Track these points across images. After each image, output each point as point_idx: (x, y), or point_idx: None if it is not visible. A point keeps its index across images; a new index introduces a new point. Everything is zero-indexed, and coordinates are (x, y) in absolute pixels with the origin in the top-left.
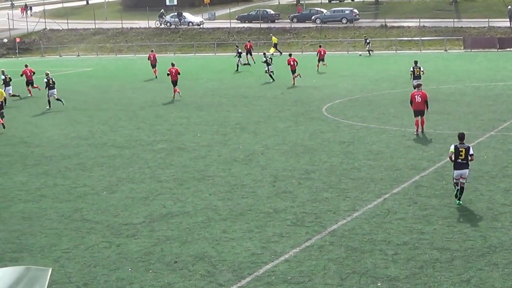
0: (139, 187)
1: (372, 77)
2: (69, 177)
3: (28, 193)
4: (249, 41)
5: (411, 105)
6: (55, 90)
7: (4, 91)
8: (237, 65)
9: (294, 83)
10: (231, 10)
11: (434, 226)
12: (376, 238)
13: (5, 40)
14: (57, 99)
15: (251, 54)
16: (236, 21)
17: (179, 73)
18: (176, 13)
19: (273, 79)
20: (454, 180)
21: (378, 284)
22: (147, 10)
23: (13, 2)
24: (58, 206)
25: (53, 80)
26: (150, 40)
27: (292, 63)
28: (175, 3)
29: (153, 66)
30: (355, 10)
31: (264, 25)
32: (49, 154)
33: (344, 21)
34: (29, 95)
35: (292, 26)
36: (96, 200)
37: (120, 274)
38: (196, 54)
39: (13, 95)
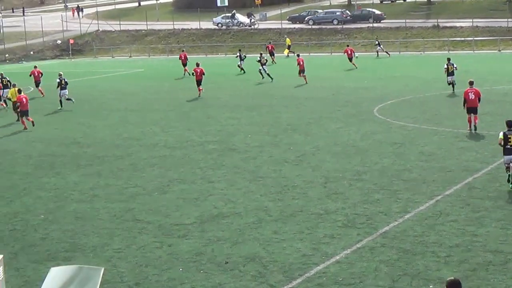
0: (190, 188)
1: (424, 77)
2: (121, 177)
3: (81, 193)
4: (270, 43)
5: (465, 103)
6: (66, 90)
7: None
8: (241, 68)
9: (306, 82)
10: (282, 11)
11: (487, 228)
12: (428, 240)
13: (59, 42)
14: (67, 99)
15: (273, 55)
16: (287, 21)
17: (203, 73)
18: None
19: (271, 78)
20: (505, 165)
21: (430, 287)
22: (198, 11)
23: (67, 4)
24: (110, 206)
25: (66, 80)
26: (201, 41)
27: (301, 63)
28: (226, 4)
29: (184, 65)
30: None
31: (315, 26)
32: (101, 155)
33: (335, 22)
34: (42, 95)
35: (344, 26)
36: (147, 200)
37: (171, 274)
38: (247, 55)
39: (68, 99)
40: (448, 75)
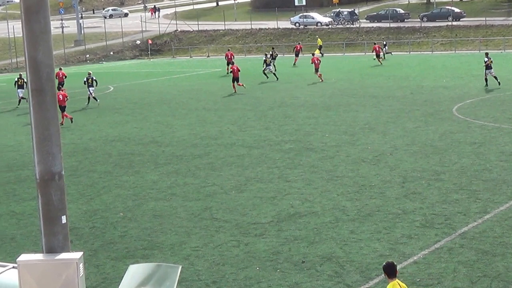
0: (268, 187)
1: (505, 76)
2: (199, 176)
3: (159, 192)
4: (298, 43)
5: None
6: (93, 88)
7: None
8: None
9: (322, 80)
10: (360, 10)
11: None
12: (508, 241)
13: (138, 42)
14: (93, 97)
15: (297, 56)
16: (365, 20)
17: (239, 70)
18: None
19: (276, 77)
20: None
21: None
22: (276, 11)
23: (146, 5)
24: (188, 205)
25: (94, 79)
26: (279, 41)
27: (316, 61)
28: (304, 3)
29: (229, 63)
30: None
31: (393, 25)
32: (179, 154)
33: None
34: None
35: (422, 25)
36: (225, 199)
37: (248, 273)
38: (324, 54)
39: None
40: (486, 69)
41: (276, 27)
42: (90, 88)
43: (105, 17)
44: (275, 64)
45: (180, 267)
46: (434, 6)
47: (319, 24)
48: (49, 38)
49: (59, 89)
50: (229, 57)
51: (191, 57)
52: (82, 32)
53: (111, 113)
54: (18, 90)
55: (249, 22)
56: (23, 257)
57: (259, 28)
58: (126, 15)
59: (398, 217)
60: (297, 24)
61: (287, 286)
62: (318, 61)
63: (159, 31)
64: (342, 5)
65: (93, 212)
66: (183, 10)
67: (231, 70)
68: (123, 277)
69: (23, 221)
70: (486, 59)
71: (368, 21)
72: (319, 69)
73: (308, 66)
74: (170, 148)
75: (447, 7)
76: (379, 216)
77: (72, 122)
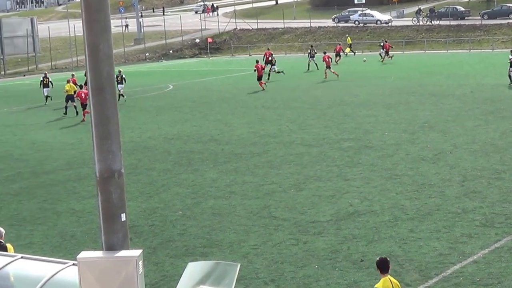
0: (326, 185)
1: None
2: (257, 174)
3: (218, 190)
4: (339, 44)
5: None
6: (122, 85)
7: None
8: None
9: (326, 77)
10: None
11: None
12: None
13: (197, 41)
14: (121, 94)
15: (338, 56)
16: (425, 18)
17: (263, 69)
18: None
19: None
20: None
21: None
22: (336, 9)
23: (205, 3)
24: (246, 203)
25: (123, 76)
26: (338, 39)
27: (327, 59)
28: (363, 1)
29: (267, 63)
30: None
31: (453, 22)
32: (238, 152)
33: None
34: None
35: (483, 23)
36: (283, 197)
37: (306, 271)
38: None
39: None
40: (510, 66)
41: (335, 25)
42: (119, 85)
43: (196, 12)
44: (315, 61)
45: (239, 265)
46: (495, 3)
47: (378, 22)
48: (109, 37)
49: (81, 87)
50: (267, 56)
51: (250, 55)
52: (142, 30)
53: (171, 112)
54: (44, 89)
55: (308, 20)
56: (83, 255)
57: (318, 26)
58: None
59: (457, 216)
60: (356, 22)
61: (346, 285)
62: (329, 59)
63: (219, 30)
64: (401, 4)
65: (152, 210)
66: (243, 9)
67: (255, 68)
68: (182, 274)
69: (83, 218)
70: (511, 57)
71: (428, 19)
72: (331, 67)
73: (370, 64)
74: (229, 146)
75: (508, 4)
76: (438, 215)
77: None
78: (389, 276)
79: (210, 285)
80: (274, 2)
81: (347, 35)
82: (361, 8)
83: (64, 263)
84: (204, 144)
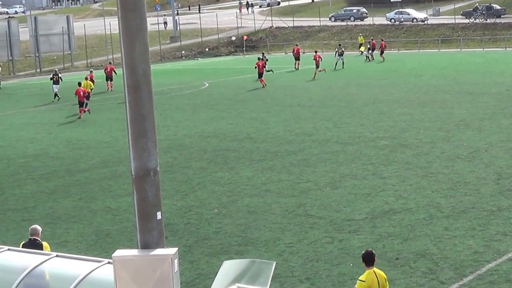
0: (362, 183)
1: None
2: (293, 172)
3: (254, 188)
4: (382, 40)
5: None
6: (58, 85)
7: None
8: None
9: (314, 77)
10: (455, 6)
11: None
12: None
13: (233, 38)
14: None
15: (382, 53)
16: (460, 16)
17: (265, 67)
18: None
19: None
20: None
21: None
22: (372, 7)
23: (241, 1)
24: (282, 201)
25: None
26: (374, 37)
27: (317, 59)
28: None
29: (296, 59)
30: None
31: (489, 20)
32: (274, 150)
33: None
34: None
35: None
36: (319, 195)
37: (342, 269)
38: (420, 51)
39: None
40: None
41: (371, 23)
42: (54, 86)
43: (260, 6)
44: (343, 59)
45: (274, 263)
46: None
47: (414, 20)
48: (145, 35)
49: (79, 84)
50: (295, 52)
51: (286, 53)
52: (178, 28)
53: (206, 109)
54: (53, 85)
55: None
56: (118, 253)
57: (355, 25)
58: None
59: (492, 214)
60: (392, 20)
61: None
62: (320, 58)
63: (254, 27)
64: (437, 2)
65: (188, 208)
66: (279, 6)
67: (256, 66)
68: (217, 272)
69: (118, 217)
70: None
71: (464, 17)
72: (319, 66)
73: (402, 62)
74: (264, 144)
75: None
76: (473, 213)
77: (90, 113)
78: (374, 268)
79: (246, 283)
80: (310, 0)
81: (360, 34)
82: (352, 8)
83: (99, 262)
84: (240, 142)
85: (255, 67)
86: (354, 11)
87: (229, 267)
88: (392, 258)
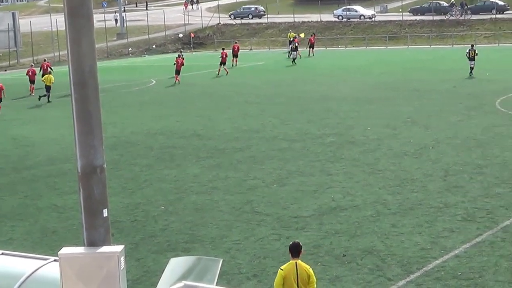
0: (309, 180)
1: None
2: (240, 169)
3: (201, 185)
4: (312, 35)
5: None
6: None
7: None
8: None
9: (219, 74)
10: (403, 3)
11: None
12: None
13: (181, 35)
14: None
15: (312, 48)
16: (408, 13)
17: (183, 64)
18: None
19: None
20: None
21: None
22: (319, 4)
23: None
24: (229, 198)
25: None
26: (322, 34)
27: (223, 56)
28: None
29: (235, 56)
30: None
31: (436, 18)
32: (221, 147)
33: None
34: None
35: (466, 18)
36: (266, 192)
37: None
38: (367, 47)
39: None
40: (469, 60)
41: (319, 20)
42: None
43: None
44: (295, 55)
45: (221, 260)
46: None
47: (362, 17)
48: (91, 32)
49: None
50: (236, 49)
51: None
52: (125, 25)
53: (153, 107)
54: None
55: (292, 15)
56: (65, 251)
57: (302, 21)
58: None
59: (439, 211)
60: (340, 17)
61: (328, 280)
62: (226, 56)
63: (202, 25)
64: None
65: (135, 205)
66: (226, 3)
67: (175, 62)
68: (164, 270)
69: (64, 214)
70: (467, 51)
71: (411, 14)
72: (226, 63)
73: (349, 59)
74: (212, 141)
75: (491, 0)
76: (420, 209)
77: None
78: (298, 260)
79: (192, 280)
80: None
81: (290, 30)
82: (250, 6)
83: (45, 259)
84: (187, 139)
85: (174, 64)
86: (252, 9)
87: (175, 265)
88: (339, 255)
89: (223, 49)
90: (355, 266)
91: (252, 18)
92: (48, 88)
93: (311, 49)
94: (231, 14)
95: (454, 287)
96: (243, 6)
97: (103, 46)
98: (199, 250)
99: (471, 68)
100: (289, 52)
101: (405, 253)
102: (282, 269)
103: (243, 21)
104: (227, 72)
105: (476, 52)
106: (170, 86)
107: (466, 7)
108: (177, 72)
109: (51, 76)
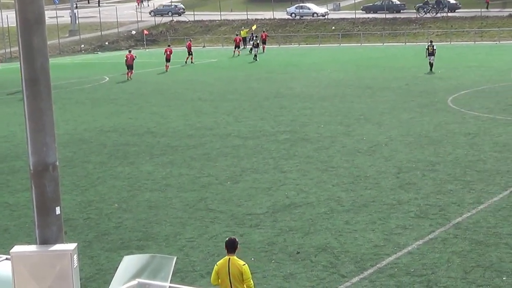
0: (263, 178)
1: (500, 67)
2: (194, 167)
3: (154, 182)
4: (264, 31)
5: None
6: None
7: None
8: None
9: (167, 70)
10: (356, 1)
11: None
12: (501, 232)
13: (134, 32)
14: None
15: (264, 43)
16: (361, 11)
17: (171, 53)
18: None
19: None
20: None
21: (504, 278)
22: (272, 1)
23: None
24: (183, 196)
25: None
26: (275, 31)
27: (167, 52)
28: None
29: (189, 53)
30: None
31: (389, 15)
32: (175, 144)
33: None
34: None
35: (418, 16)
36: (220, 190)
37: None
38: (320, 45)
39: None
40: (428, 55)
41: (272, 17)
42: None
43: None
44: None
45: (175, 258)
46: None
47: (315, 14)
48: (43, 28)
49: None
50: (188, 46)
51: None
52: (77, 22)
53: (106, 104)
54: None
55: (245, 13)
56: (17, 249)
57: (255, 19)
58: None
59: (393, 208)
60: (293, 15)
61: (282, 277)
62: (170, 52)
63: (155, 22)
64: None
65: (88, 203)
66: (179, 0)
67: (126, 57)
68: (117, 268)
69: (16, 212)
70: (427, 47)
71: (364, 12)
72: (170, 60)
73: (303, 57)
74: (165, 138)
75: None
76: (374, 206)
77: None
78: (233, 257)
79: (146, 278)
80: None
81: (242, 28)
82: (170, 4)
83: None
84: (140, 137)
85: (125, 60)
86: (172, 6)
87: (129, 263)
88: (293, 252)
89: (168, 45)
90: (309, 263)
91: (171, 16)
92: None
93: (263, 45)
94: (151, 11)
95: (407, 283)
96: (164, 4)
97: (55, 42)
98: (153, 247)
99: (431, 64)
100: (250, 48)
101: (358, 250)
102: (217, 265)
103: (196, 18)
104: (167, 70)
105: (435, 47)
106: (123, 83)
107: (441, 5)
108: (129, 67)
109: None
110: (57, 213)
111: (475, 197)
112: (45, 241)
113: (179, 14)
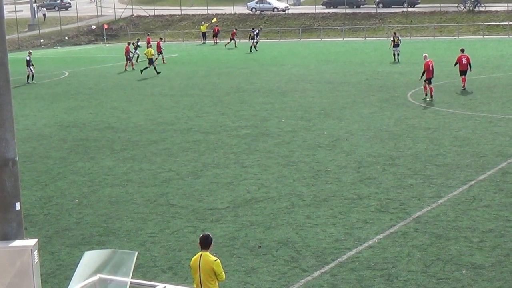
0: (224, 173)
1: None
2: (155, 162)
3: (115, 178)
4: (236, 29)
5: (455, 66)
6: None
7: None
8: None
9: (126, 69)
10: None
11: None
12: (461, 225)
13: (93, 27)
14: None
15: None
16: (321, 6)
17: (130, 51)
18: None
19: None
20: None
21: (463, 272)
22: None
23: None
24: (144, 191)
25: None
26: (235, 26)
27: (127, 50)
28: None
29: (159, 53)
30: None
31: (349, 11)
32: (135, 139)
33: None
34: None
35: (378, 11)
36: (181, 185)
37: None
38: (281, 40)
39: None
40: (393, 46)
41: (232, 12)
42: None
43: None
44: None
45: (136, 253)
46: None
47: (275, 9)
48: (1, 23)
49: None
50: (148, 41)
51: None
52: (36, 16)
53: (66, 99)
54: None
55: (206, 7)
56: None
57: (216, 13)
58: None
59: (353, 202)
60: (253, 10)
61: (244, 271)
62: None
63: (115, 16)
64: None
65: (48, 198)
66: None
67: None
68: (78, 264)
69: None
70: (392, 38)
71: (325, 7)
72: (131, 59)
73: (262, 51)
74: (125, 134)
75: None
76: (334, 201)
77: None
78: (205, 252)
79: (107, 274)
80: None
81: (202, 23)
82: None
83: None
84: (101, 132)
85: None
86: (58, 1)
87: (90, 258)
88: (255, 247)
89: (128, 43)
90: (270, 257)
91: (58, 10)
92: None
93: (214, 38)
94: (39, 6)
95: (368, 277)
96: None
97: (14, 37)
98: (114, 243)
99: (397, 54)
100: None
101: (319, 245)
102: (191, 260)
103: (156, 12)
104: (126, 69)
105: (400, 39)
106: (83, 77)
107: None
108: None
109: None
110: (17, 209)
111: (435, 191)
112: (5, 237)
113: (66, 9)
